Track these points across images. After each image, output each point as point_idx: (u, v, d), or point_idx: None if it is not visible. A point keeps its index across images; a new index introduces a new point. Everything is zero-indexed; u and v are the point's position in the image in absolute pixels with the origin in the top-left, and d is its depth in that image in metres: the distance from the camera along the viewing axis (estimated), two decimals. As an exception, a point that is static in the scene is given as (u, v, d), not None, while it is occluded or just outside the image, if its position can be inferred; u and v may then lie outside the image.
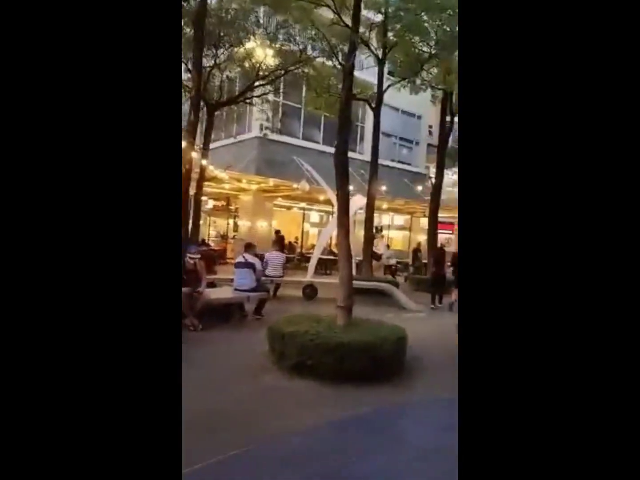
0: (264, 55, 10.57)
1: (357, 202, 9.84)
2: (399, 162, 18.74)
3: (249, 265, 6.33)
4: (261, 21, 10.52)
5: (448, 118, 12.10)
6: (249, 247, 6.76)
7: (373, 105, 10.55)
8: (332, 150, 5.09)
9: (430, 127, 20.04)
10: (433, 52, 9.34)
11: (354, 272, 10.50)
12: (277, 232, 12.02)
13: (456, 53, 7.86)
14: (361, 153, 16.41)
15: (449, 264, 8.92)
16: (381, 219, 18.54)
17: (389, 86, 10.60)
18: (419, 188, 16.93)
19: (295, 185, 11.98)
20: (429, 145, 19.44)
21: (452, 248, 9.76)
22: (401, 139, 19.15)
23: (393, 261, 13.24)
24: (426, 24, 8.56)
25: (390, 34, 9.47)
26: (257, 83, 10.95)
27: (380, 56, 10.06)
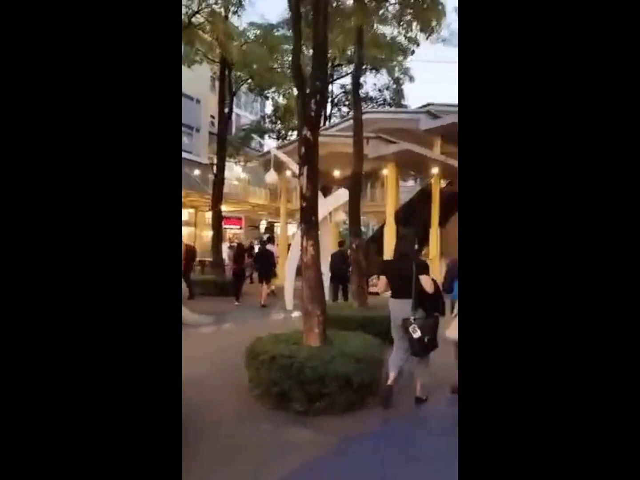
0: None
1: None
2: (178, 150, 16.63)
3: None
4: None
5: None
6: None
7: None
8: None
9: (213, 117, 18.69)
10: (202, 6, 7.67)
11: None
12: None
13: (233, 8, 6.54)
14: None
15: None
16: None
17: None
18: (196, 173, 15.35)
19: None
20: (212, 134, 17.96)
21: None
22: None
23: None
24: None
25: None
26: None
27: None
